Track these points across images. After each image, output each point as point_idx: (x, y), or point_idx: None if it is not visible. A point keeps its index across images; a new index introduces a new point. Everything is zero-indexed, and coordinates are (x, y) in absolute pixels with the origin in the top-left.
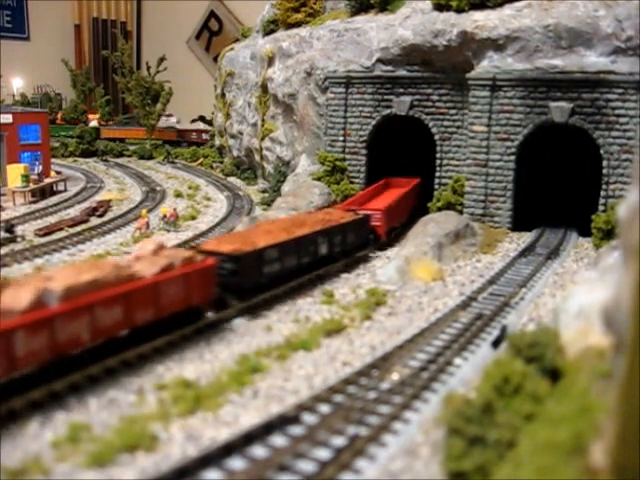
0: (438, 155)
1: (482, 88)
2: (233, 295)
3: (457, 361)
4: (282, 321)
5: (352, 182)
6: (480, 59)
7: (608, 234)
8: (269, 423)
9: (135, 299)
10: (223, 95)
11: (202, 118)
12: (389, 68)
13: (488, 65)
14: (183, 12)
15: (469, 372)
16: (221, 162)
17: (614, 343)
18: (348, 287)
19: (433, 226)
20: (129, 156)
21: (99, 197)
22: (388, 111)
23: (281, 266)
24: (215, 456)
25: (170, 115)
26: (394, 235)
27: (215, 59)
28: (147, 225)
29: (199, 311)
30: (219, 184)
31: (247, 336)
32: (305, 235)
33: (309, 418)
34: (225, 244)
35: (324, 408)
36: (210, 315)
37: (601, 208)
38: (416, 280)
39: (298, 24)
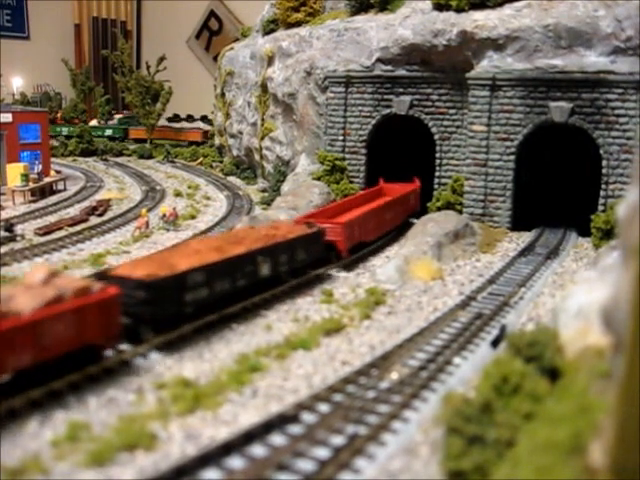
0: (438, 155)
1: (482, 88)
2: (148, 327)
3: (456, 360)
4: (281, 320)
5: (352, 182)
6: (480, 59)
7: (607, 234)
8: (268, 422)
9: (5, 341)
10: (223, 94)
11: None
12: (389, 68)
13: (488, 65)
14: (183, 12)
15: (468, 371)
16: (221, 161)
17: (613, 343)
18: (347, 286)
19: (432, 226)
20: (129, 155)
21: (99, 196)
22: (388, 111)
23: (210, 292)
24: (214, 455)
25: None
26: (375, 247)
27: (215, 58)
28: (147, 224)
29: (99, 349)
30: (219, 183)
31: (246, 335)
32: (240, 254)
33: (308, 417)
34: (139, 268)
35: (323, 407)
36: (115, 352)
37: (600, 208)
38: (415, 279)
39: (298, 24)
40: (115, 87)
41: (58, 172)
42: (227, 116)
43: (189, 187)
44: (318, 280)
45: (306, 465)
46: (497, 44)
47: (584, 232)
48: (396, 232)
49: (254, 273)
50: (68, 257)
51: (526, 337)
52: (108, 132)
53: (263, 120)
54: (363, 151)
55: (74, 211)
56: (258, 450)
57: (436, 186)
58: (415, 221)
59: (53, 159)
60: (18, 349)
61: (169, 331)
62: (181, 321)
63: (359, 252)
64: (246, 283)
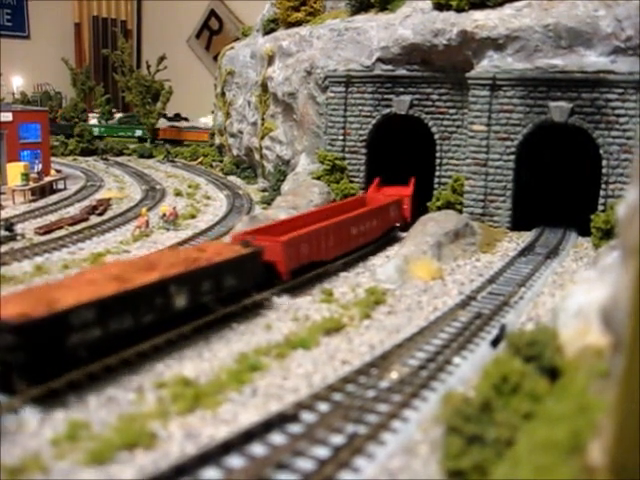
0: (438, 154)
1: (482, 87)
2: (22, 377)
3: (456, 360)
4: (281, 320)
5: (352, 181)
6: (480, 58)
7: (607, 234)
8: (268, 421)
9: None
10: (223, 94)
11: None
12: (389, 67)
13: (488, 64)
14: (183, 11)
15: (468, 371)
16: (221, 161)
17: (612, 342)
18: (347, 286)
19: (432, 225)
20: (129, 155)
21: (99, 195)
22: (388, 110)
23: (104, 331)
24: (214, 454)
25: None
26: (341, 264)
27: (215, 58)
28: (147, 224)
29: None
30: (219, 183)
31: (246, 334)
32: (145, 285)
33: (308, 416)
34: (11, 305)
35: (323, 406)
36: None
37: (600, 208)
38: (415, 279)
39: (298, 23)
40: (115, 86)
41: (58, 171)
42: (227, 115)
43: (189, 186)
44: (318, 279)
45: (306, 464)
46: (497, 44)
47: (584, 232)
48: (372, 247)
49: (166, 306)
50: (68, 256)
51: (526, 337)
52: (138, 133)
53: (263, 119)
54: (363, 151)
55: (74, 210)
56: (258, 449)
57: (436, 185)
58: (403, 234)
59: (53, 158)
60: None
61: (51, 379)
62: (68, 367)
63: (306, 274)
64: (155, 318)
